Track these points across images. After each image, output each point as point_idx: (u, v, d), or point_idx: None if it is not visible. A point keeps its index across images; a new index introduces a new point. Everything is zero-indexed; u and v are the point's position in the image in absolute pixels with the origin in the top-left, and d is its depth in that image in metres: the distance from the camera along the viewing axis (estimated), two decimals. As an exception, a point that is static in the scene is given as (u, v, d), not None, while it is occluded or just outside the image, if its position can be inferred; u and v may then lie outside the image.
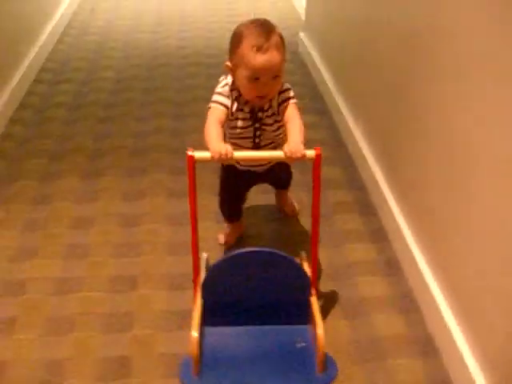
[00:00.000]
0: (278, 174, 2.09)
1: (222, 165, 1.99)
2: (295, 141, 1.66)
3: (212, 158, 1.63)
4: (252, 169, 1.97)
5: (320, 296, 1.82)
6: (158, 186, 2.48)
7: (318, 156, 1.61)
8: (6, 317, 1.84)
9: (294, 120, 1.75)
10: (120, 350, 1.71)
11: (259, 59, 1.67)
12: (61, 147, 2.81)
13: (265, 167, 1.97)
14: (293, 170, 2.17)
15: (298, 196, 2.35)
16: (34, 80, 3.54)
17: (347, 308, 1.86)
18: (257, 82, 1.70)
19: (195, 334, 1.60)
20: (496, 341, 1.43)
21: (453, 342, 1.60)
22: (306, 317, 1.72)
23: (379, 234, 2.19)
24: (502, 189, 1.37)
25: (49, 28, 4.04)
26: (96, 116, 3.12)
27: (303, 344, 1.69)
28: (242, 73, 1.71)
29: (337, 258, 2.07)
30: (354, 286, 1.95)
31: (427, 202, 1.84)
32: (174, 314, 1.82)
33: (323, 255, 2.04)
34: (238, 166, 1.95)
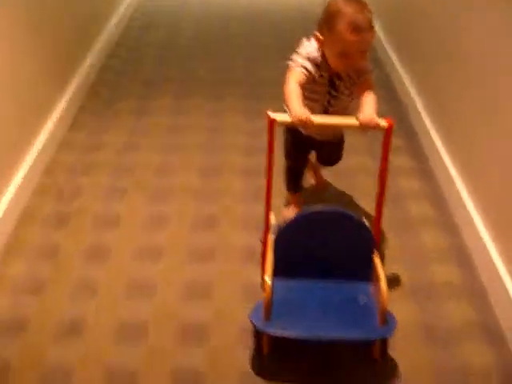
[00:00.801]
0: (334, 147, 2.15)
1: (287, 128, 2.05)
2: (369, 111, 1.71)
3: (293, 122, 1.69)
4: (316, 136, 2.02)
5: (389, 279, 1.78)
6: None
7: (390, 127, 1.66)
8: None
9: (368, 92, 1.78)
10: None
11: (354, 38, 1.71)
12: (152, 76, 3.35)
13: (329, 137, 2.05)
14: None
15: (365, 161, 2.55)
16: (126, 26, 4.03)
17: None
18: (345, 56, 1.75)
19: (269, 280, 1.66)
20: None
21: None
22: (368, 274, 1.76)
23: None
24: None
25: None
26: (181, 55, 3.63)
27: (365, 300, 1.72)
28: (334, 47, 1.75)
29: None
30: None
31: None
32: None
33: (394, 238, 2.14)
34: (302, 130, 2.00)
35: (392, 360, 1.68)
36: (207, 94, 3.17)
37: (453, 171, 2.32)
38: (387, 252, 2.07)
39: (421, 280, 1.98)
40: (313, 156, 2.22)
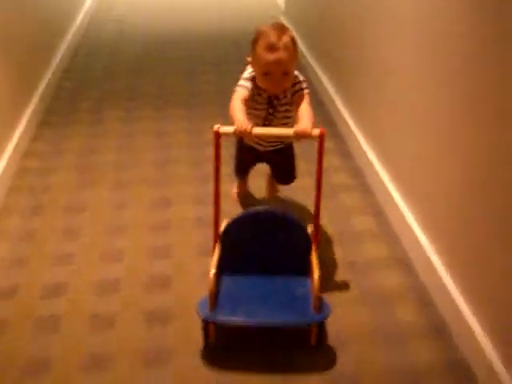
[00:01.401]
0: (284, 158, 2.30)
1: (238, 140, 2.27)
2: (304, 124, 1.91)
3: (235, 131, 1.88)
4: (259, 147, 2.23)
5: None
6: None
7: (321, 135, 1.87)
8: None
9: (305, 107, 2.00)
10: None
11: (269, 57, 1.92)
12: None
13: (269, 148, 2.23)
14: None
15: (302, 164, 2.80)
16: (73, 55, 4.41)
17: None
18: (268, 76, 1.96)
19: (213, 271, 1.82)
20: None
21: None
22: (307, 269, 1.92)
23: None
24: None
25: (79, 19, 4.90)
26: (128, 76, 4.01)
27: (303, 290, 1.89)
28: (257, 68, 1.98)
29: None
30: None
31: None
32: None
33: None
34: (246, 140, 2.21)
35: (330, 348, 1.86)
36: (153, 105, 3.58)
37: (377, 165, 2.69)
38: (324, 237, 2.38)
39: (355, 257, 2.35)
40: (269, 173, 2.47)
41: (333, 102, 3.36)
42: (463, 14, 1.83)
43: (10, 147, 2.85)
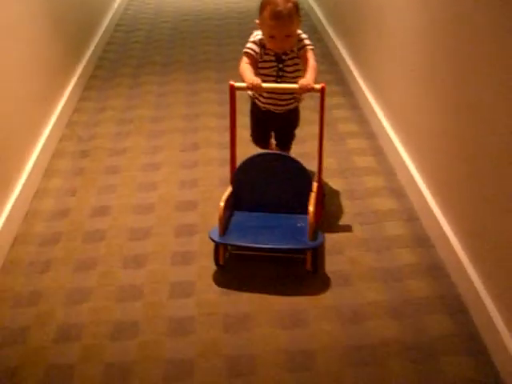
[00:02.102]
0: (289, 121, 2.50)
1: (252, 103, 2.47)
2: (308, 78, 2.17)
3: (247, 86, 2.15)
4: (271, 107, 2.41)
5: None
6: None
7: (322, 88, 2.15)
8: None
9: (310, 61, 2.24)
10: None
11: (274, 23, 2.18)
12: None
13: (282, 108, 2.41)
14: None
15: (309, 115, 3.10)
16: (113, 31, 4.84)
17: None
18: (273, 38, 2.22)
19: (222, 203, 2.12)
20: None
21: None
22: (306, 208, 2.13)
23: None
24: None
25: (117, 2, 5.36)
26: (162, 47, 4.43)
27: (302, 224, 2.15)
28: (264, 31, 2.25)
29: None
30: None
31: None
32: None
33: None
34: (260, 104, 2.42)
35: (323, 273, 2.16)
36: (185, 69, 3.99)
37: (380, 114, 3.03)
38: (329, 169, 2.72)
39: (356, 186, 2.78)
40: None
41: (345, 62, 3.71)
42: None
43: (61, 104, 3.28)
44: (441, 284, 2.09)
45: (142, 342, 1.92)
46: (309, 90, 2.17)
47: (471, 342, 1.86)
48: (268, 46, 2.27)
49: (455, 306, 2.00)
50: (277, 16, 2.18)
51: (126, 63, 4.16)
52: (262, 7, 2.25)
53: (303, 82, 2.17)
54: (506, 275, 1.76)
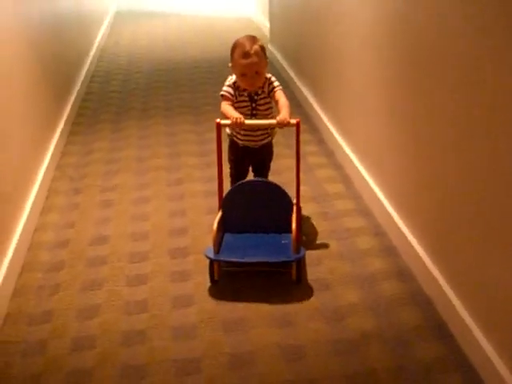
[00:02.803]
0: (265, 154, 2.75)
1: (230, 140, 2.71)
2: (284, 114, 2.48)
3: (232, 122, 2.44)
4: (248, 143, 2.67)
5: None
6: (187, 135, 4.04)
7: (298, 123, 2.47)
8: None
9: (282, 100, 2.56)
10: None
11: (244, 62, 2.49)
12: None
13: (258, 143, 2.68)
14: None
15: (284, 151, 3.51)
16: (90, 82, 5.15)
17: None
18: (245, 76, 2.52)
19: (215, 225, 2.41)
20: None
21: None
22: (289, 227, 2.43)
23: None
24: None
25: (92, 52, 5.68)
26: (138, 95, 4.76)
27: (286, 241, 2.44)
28: (236, 71, 2.55)
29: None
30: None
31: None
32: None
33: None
34: (239, 141, 2.68)
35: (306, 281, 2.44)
36: (162, 114, 4.31)
37: (345, 147, 3.43)
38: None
39: (328, 209, 3.11)
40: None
41: (310, 104, 4.08)
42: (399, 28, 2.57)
43: (50, 149, 3.54)
44: (408, 284, 2.41)
45: (151, 347, 2.16)
46: (286, 124, 2.48)
47: (439, 329, 2.17)
48: (241, 84, 2.57)
49: (423, 300, 2.31)
50: (246, 55, 2.50)
51: (106, 110, 4.46)
52: (233, 50, 2.57)
53: (281, 117, 2.49)
54: (465, 270, 2.08)
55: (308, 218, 2.87)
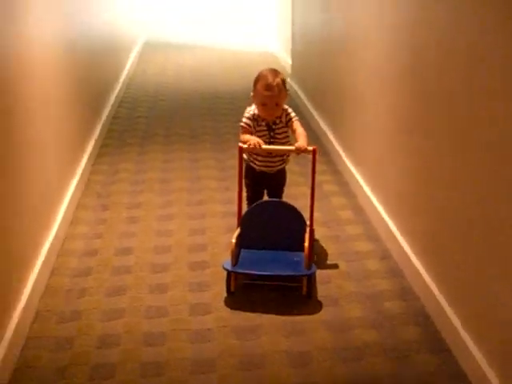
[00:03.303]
0: (279, 179, 2.96)
1: (247, 166, 2.88)
2: (301, 142, 2.70)
3: (253, 145, 2.64)
4: (264, 169, 2.86)
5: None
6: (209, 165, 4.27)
7: (314, 150, 2.66)
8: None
9: (299, 130, 2.77)
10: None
11: (266, 93, 2.71)
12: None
13: (274, 169, 2.88)
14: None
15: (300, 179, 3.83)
16: (118, 107, 5.43)
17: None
18: (265, 106, 2.74)
19: (233, 240, 2.61)
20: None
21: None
22: (302, 245, 2.61)
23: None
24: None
25: (121, 79, 5.98)
26: (164, 121, 5.03)
27: (298, 259, 2.62)
28: (257, 100, 2.76)
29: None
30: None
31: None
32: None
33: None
34: (256, 167, 2.87)
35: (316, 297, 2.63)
36: (185, 141, 4.55)
37: (358, 177, 3.64)
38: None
39: (339, 233, 3.30)
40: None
41: (327, 137, 4.30)
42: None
43: (79, 169, 3.77)
44: (409, 302, 2.59)
45: (170, 348, 2.35)
46: (303, 151, 2.70)
47: (436, 343, 2.34)
48: (260, 113, 2.78)
49: (420, 316, 2.51)
50: (268, 87, 2.71)
51: (132, 134, 4.71)
52: (256, 81, 2.79)
53: (299, 144, 2.70)
54: (462, 290, 2.26)
55: (320, 241, 3.06)
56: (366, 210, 3.37)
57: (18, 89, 2.65)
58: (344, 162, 3.84)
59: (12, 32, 2.62)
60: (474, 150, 2.12)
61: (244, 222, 2.77)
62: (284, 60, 6.79)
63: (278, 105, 2.76)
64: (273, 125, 2.82)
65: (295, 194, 3.41)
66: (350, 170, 3.72)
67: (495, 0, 2.00)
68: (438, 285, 2.46)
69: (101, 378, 2.22)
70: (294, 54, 5.82)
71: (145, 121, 5.06)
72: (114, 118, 5.10)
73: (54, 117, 3.33)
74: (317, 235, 3.06)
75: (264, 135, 2.81)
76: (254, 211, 2.78)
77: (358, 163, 3.63)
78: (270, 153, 2.85)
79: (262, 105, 2.77)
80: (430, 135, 2.51)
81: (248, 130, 2.80)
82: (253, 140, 2.71)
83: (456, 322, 2.27)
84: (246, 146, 2.73)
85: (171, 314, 2.54)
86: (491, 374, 2.02)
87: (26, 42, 2.83)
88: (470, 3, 2.16)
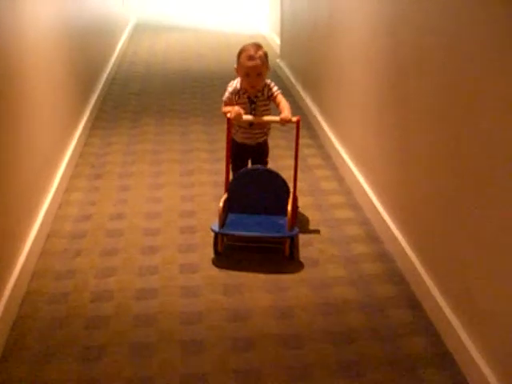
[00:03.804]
0: (262, 151, 3.10)
1: (232, 140, 2.98)
2: (286, 113, 2.84)
3: (234, 113, 2.79)
4: (246, 141, 3.02)
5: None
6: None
7: (298, 120, 2.83)
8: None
9: (283, 102, 2.90)
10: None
11: (249, 63, 2.85)
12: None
13: (255, 141, 3.03)
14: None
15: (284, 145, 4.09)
16: (110, 84, 5.55)
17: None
18: (248, 76, 2.87)
19: (221, 204, 2.76)
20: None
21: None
22: (286, 210, 2.77)
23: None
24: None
25: (113, 58, 6.09)
26: (155, 98, 5.16)
27: (282, 221, 2.79)
28: (240, 71, 2.90)
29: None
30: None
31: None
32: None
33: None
34: (238, 139, 3.02)
35: (298, 258, 2.79)
36: (177, 116, 4.69)
37: (341, 151, 3.84)
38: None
39: (322, 202, 3.46)
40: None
41: (313, 114, 4.45)
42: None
43: (73, 141, 3.91)
44: (386, 264, 2.76)
45: (161, 302, 2.50)
46: (288, 121, 2.86)
47: (409, 299, 2.51)
48: (243, 84, 2.93)
49: (396, 276, 2.67)
50: (251, 58, 2.88)
51: (125, 109, 4.84)
52: (239, 53, 2.94)
53: (283, 115, 2.85)
54: (434, 252, 2.43)
55: (303, 209, 3.22)
56: (348, 182, 3.53)
57: (17, 66, 2.78)
58: (329, 138, 3.99)
59: (12, 14, 2.75)
60: (452, 126, 2.27)
61: (231, 187, 2.92)
62: (273, 41, 6.92)
63: (259, 75, 2.89)
64: (254, 98, 2.96)
65: (280, 166, 3.54)
66: (333, 145, 3.87)
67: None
68: (413, 248, 2.62)
69: (95, 327, 2.37)
70: (283, 36, 5.95)
71: (136, 97, 5.19)
72: (107, 94, 5.22)
73: (49, 93, 3.46)
74: (300, 204, 3.22)
75: (245, 108, 2.94)
76: (241, 177, 2.92)
77: (342, 138, 3.78)
78: (250, 124, 2.99)
79: (245, 75, 2.90)
80: (411, 111, 2.65)
81: (229, 103, 2.95)
82: (233, 110, 2.85)
83: (428, 280, 2.44)
84: (230, 115, 2.85)
85: (161, 272, 2.70)
86: (456, 322, 2.20)
87: (26, 23, 2.97)
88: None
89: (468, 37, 2.11)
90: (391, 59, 2.87)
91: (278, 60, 5.92)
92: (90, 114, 4.49)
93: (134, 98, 5.16)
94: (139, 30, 8.19)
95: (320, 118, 4.30)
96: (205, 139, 4.21)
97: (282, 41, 6.04)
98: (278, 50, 6.22)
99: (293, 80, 5.27)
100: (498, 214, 1.94)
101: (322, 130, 4.18)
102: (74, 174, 3.66)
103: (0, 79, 2.54)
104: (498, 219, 1.94)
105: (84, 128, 4.20)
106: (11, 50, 2.71)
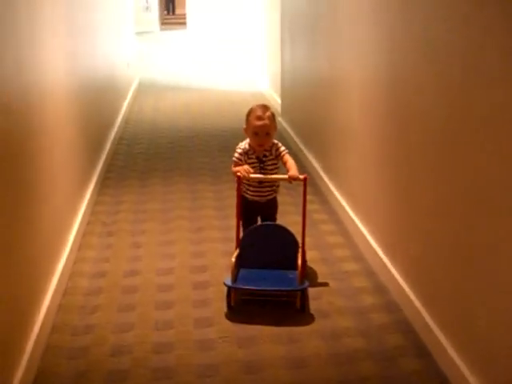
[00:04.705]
0: (271, 208, 3.22)
1: (242, 197, 3.10)
2: (293, 171, 2.98)
3: (243, 171, 2.96)
4: (256, 198, 3.14)
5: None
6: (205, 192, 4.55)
7: (305, 178, 2.97)
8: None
9: (290, 161, 3.05)
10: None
11: (258, 123, 3.01)
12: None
13: (264, 198, 3.15)
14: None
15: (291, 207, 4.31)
16: (117, 143, 5.73)
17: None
18: (257, 135, 3.02)
19: (233, 259, 2.89)
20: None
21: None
22: (296, 264, 2.90)
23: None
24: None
25: (120, 118, 6.30)
26: (162, 157, 5.33)
27: (292, 276, 2.88)
28: (249, 131, 3.06)
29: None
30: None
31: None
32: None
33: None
34: (249, 196, 3.14)
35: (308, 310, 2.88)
36: (185, 174, 4.84)
37: (345, 206, 3.98)
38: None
39: (328, 256, 3.58)
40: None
41: (316, 171, 4.61)
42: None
43: (85, 200, 4.04)
44: (394, 314, 2.86)
45: (177, 356, 2.59)
46: (295, 179, 3.01)
47: (418, 348, 2.61)
48: (252, 143, 3.08)
49: (404, 324, 2.77)
50: (260, 118, 3.04)
51: (133, 169, 5.00)
52: (248, 114, 3.11)
53: (291, 173, 3.00)
54: (451, 309, 2.53)
55: (311, 262, 3.32)
56: (353, 235, 3.65)
57: (32, 125, 2.92)
58: (332, 193, 4.14)
59: (33, 77, 2.94)
60: (455, 183, 2.41)
61: (242, 243, 3.04)
62: (274, 99, 7.16)
63: (268, 134, 3.05)
64: (263, 157, 3.11)
65: (287, 222, 3.62)
66: (337, 200, 4.01)
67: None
68: (418, 297, 2.73)
69: (115, 381, 2.45)
70: (284, 94, 6.18)
71: (144, 157, 5.35)
72: (115, 153, 5.39)
73: (61, 148, 3.61)
74: (308, 258, 3.32)
75: (255, 167, 3.09)
76: (252, 233, 3.05)
77: (344, 193, 3.93)
78: (260, 182, 3.13)
79: (254, 134, 3.05)
80: (413, 168, 2.80)
81: (239, 163, 3.10)
82: (242, 168, 3.02)
83: (435, 329, 2.54)
84: (240, 174, 3.01)
85: (177, 327, 2.78)
86: (464, 368, 2.29)
87: (48, 84, 3.17)
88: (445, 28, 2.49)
89: (471, 92, 2.27)
90: (394, 114, 3.03)
91: (279, 118, 6.11)
92: (100, 173, 4.64)
93: (142, 158, 5.32)
94: (142, 89, 8.45)
95: (323, 174, 4.45)
96: (212, 197, 4.34)
97: (282, 98, 6.26)
98: (277, 108, 6.43)
99: (294, 136, 5.46)
100: (504, 264, 2.06)
101: (326, 185, 4.32)
102: (86, 233, 3.78)
103: (22, 140, 2.70)
104: (504, 273, 2.06)
105: (94, 187, 4.33)
106: (35, 108, 2.90)
